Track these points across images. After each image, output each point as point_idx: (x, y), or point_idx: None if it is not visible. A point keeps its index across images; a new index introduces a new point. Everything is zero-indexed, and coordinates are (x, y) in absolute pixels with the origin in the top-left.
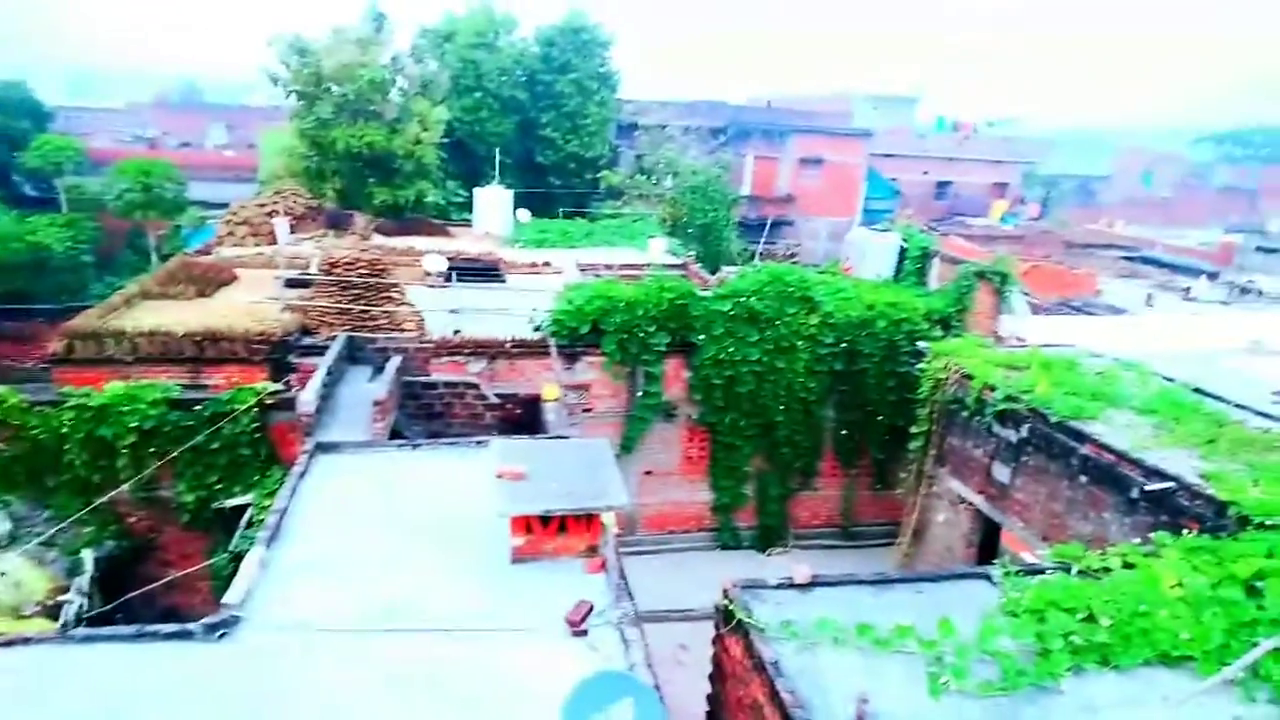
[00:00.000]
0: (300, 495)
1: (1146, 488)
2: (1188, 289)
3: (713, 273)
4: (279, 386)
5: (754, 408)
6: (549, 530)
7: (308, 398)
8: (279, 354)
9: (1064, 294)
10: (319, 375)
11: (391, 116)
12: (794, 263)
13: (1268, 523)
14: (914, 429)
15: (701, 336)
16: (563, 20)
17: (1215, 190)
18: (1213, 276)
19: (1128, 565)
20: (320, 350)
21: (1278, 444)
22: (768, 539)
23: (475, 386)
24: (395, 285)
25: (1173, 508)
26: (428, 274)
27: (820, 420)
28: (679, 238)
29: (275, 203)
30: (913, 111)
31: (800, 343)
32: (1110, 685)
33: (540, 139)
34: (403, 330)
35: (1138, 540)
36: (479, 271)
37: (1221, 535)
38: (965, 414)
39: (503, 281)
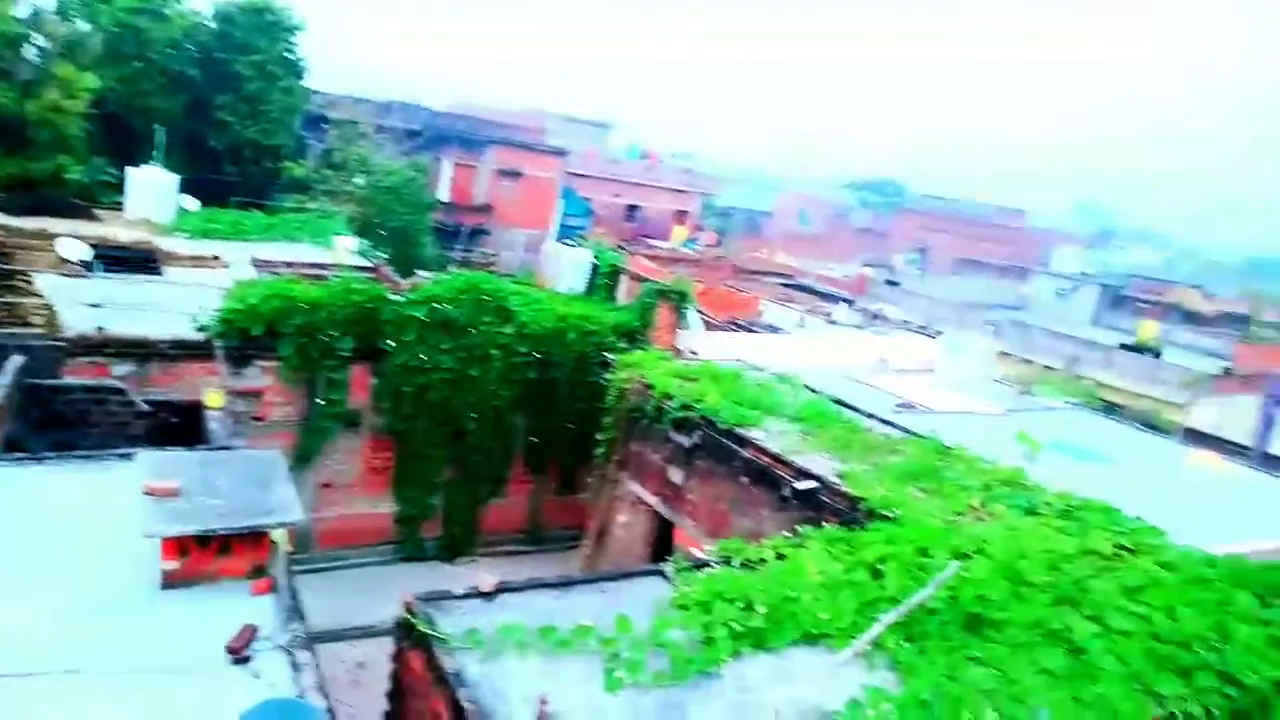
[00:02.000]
0: None
1: (796, 486)
2: (830, 314)
3: (406, 277)
4: None
5: (445, 416)
6: (209, 551)
7: None
8: None
9: (732, 314)
10: None
11: (26, 77)
12: (491, 271)
13: (888, 514)
14: (600, 436)
15: (392, 343)
16: None
17: (855, 230)
18: (850, 304)
19: (780, 556)
20: None
21: (898, 448)
22: (455, 549)
23: (121, 392)
24: (21, 272)
25: (817, 504)
26: (65, 261)
27: (512, 428)
28: (370, 239)
29: None
30: (606, 136)
31: (495, 351)
32: (764, 666)
33: (214, 122)
34: (29, 325)
35: (788, 533)
36: (130, 261)
37: (854, 527)
38: (646, 422)
39: (160, 274)
